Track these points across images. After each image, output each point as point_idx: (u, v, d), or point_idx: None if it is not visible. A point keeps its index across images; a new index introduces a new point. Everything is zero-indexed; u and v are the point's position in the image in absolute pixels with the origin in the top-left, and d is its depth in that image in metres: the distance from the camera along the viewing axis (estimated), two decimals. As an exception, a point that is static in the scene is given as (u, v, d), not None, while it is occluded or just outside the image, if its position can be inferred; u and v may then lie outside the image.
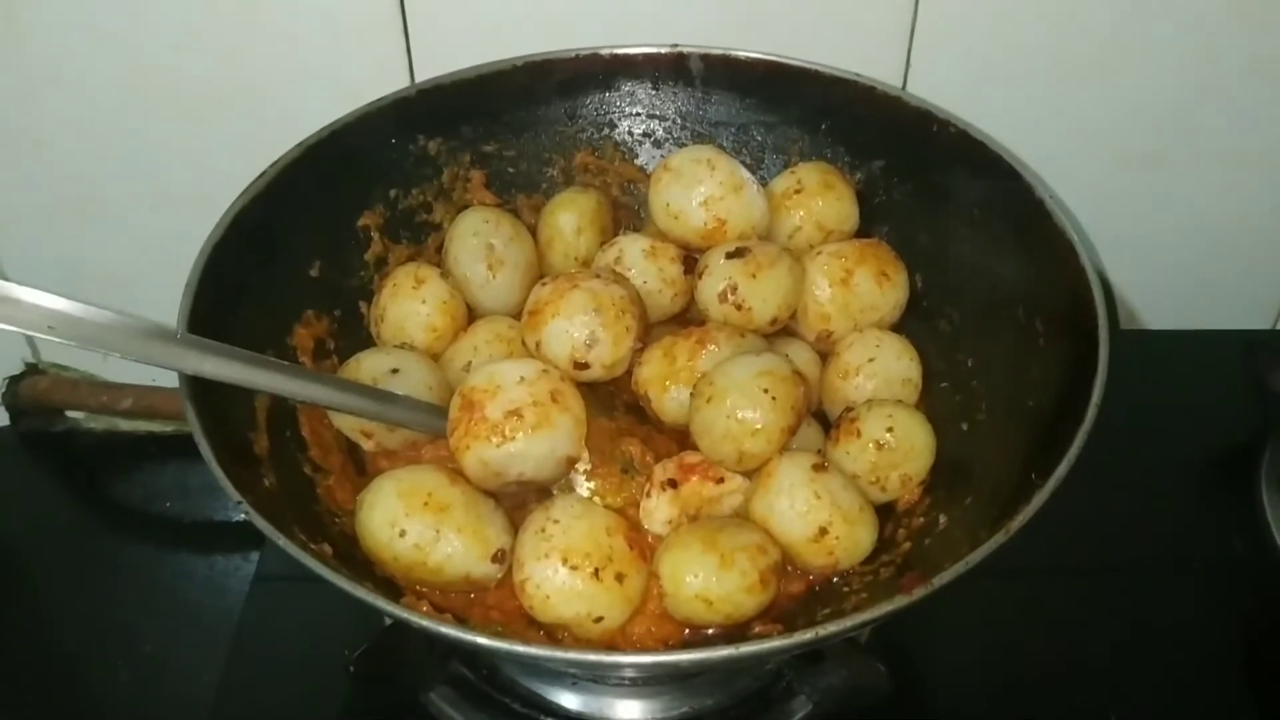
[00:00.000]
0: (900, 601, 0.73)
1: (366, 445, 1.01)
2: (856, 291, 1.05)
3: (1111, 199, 1.24)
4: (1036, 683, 1.07)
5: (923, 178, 1.10)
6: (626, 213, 1.19)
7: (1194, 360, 1.35)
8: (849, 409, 1.01)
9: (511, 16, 1.12)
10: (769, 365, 0.93)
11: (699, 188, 1.05)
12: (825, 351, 1.07)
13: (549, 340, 0.97)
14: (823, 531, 0.91)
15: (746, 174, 1.06)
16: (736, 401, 0.91)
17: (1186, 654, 1.09)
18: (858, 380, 1.04)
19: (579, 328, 0.96)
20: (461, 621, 0.87)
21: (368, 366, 1.00)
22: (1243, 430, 1.25)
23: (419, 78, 1.14)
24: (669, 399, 0.98)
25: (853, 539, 0.92)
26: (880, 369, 1.04)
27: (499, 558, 0.89)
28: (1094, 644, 1.08)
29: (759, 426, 0.91)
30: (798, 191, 1.09)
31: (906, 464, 0.97)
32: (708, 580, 0.86)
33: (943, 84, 1.12)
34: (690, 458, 0.96)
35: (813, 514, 0.91)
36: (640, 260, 1.06)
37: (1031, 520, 0.78)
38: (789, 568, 0.93)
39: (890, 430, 0.97)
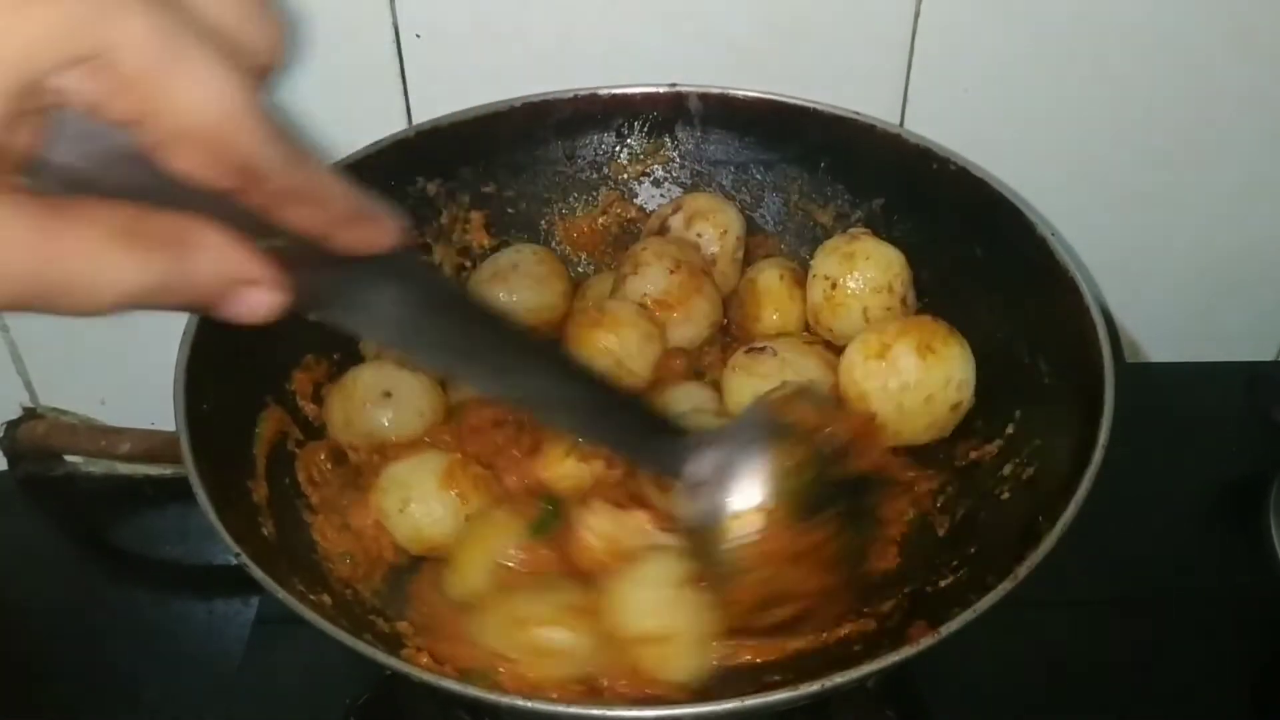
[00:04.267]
0: (906, 652, 0.73)
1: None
2: (897, 366, 0.99)
3: (1112, 231, 1.24)
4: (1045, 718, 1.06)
5: (923, 216, 1.10)
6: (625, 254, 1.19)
7: (1198, 393, 1.33)
8: None
9: (508, 60, 1.12)
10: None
11: None
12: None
13: None
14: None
15: None
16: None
17: (1195, 689, 1.07)
18: None
19: None
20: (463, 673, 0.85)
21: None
22: (1248, 463, 1.24)
23: (416, 122, 1.13)
24: None
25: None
26: None
27: None
28: (1102, 679, 1.07)
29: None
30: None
31: None
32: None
33: (941, 121, 1.12)
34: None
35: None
36: None
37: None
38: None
39: None
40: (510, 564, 0.88)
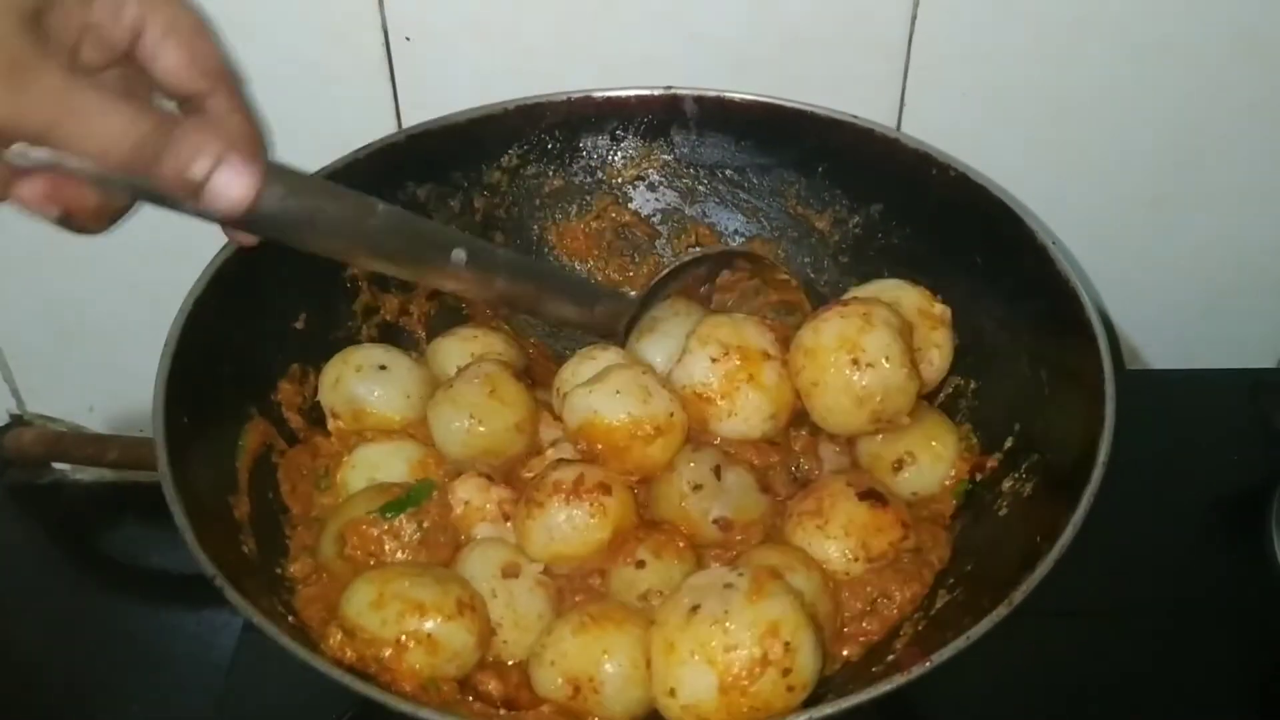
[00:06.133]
0: (898, 680, 0.71)
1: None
2: None
3: (1113, 238, 1.23)
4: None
5: (922, 222, 1.08)
6: (621, 260, 1.17)
7: (1200, 400, 1.32)
8: None
9: (500, 62, 1.10)
10: None
11: None
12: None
13: None
14: None
15: None
16: None
17: (1196, 697, 1.06)
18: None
19: None
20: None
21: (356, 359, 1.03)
22: (1250, 470, 1.23)
23: (406, 125, 1.12)
24: None
25: None
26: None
27: None
28: (1102, 688, 1.06)
29: None
30: None
31: None
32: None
33: (938, 126, 1.10)
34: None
35: None
36: None
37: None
38: None
39: None
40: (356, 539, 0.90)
